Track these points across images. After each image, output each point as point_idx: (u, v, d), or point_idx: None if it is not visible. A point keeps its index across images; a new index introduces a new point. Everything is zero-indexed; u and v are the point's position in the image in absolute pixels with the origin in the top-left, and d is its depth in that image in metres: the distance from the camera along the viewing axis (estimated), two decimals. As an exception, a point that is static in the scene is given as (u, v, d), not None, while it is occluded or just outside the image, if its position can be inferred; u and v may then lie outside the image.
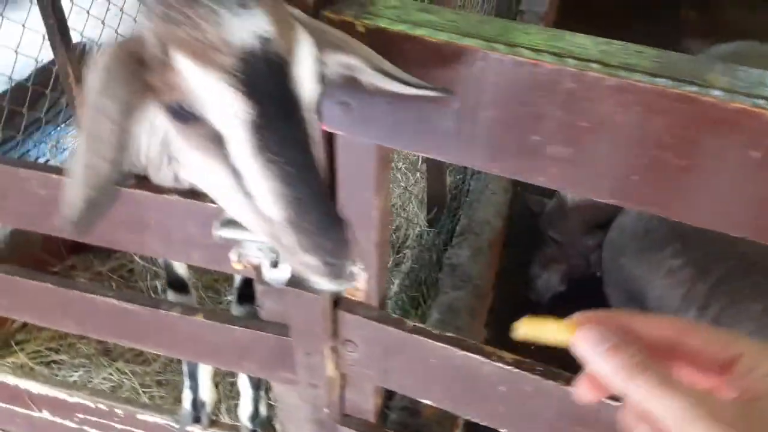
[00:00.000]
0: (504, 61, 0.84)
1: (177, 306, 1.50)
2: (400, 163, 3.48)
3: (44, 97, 3.22)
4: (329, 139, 1.10)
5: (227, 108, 0.71)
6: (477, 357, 1.23)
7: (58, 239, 2.81)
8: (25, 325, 2.69)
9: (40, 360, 2.57)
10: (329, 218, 0.72)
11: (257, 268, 1.33)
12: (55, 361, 2.57)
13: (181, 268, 1.67)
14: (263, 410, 1.72)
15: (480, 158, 0.95)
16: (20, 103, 3.12)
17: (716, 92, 0.78)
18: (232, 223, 1.24)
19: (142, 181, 1.39)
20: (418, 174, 3.38)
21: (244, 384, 1.72)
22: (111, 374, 2.50)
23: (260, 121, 0.71)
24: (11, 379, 1.93)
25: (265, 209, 0.74)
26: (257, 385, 1.71)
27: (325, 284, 0.75)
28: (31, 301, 1.60)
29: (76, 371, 2.53)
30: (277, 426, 1.83)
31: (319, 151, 0.76)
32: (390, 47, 0.87)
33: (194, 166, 0.82)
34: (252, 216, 0.77)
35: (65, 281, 1.55)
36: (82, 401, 1.85)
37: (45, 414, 1.96)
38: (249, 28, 0.71)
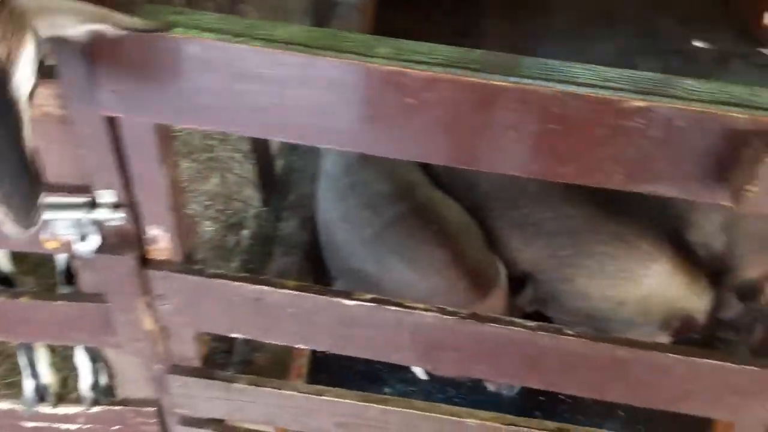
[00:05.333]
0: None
1: (3, 292, 1.65)
2: (235, 153, 3.73)
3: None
4: (112, 121, 1.32)
5: None
6: (266, 288, 1.51)
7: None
8: None
9: None
10: (19, 180, 0.91)
11: (67, 244, 1.52)
12: None
13: (4, 265, 1.80)
14: (103, 379, 1.90)
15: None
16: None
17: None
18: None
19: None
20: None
21: (81, 358, 1.88)
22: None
23: None
24: None
25: None
26: (94, 357, 1.88)
27: (11, 231, 0.97)
28: None
29: None
30: (119, 391, 2.01)
31: (27, 129, 0.95)
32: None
33: None
34: None
35: None
36: None
37: None
38: None
